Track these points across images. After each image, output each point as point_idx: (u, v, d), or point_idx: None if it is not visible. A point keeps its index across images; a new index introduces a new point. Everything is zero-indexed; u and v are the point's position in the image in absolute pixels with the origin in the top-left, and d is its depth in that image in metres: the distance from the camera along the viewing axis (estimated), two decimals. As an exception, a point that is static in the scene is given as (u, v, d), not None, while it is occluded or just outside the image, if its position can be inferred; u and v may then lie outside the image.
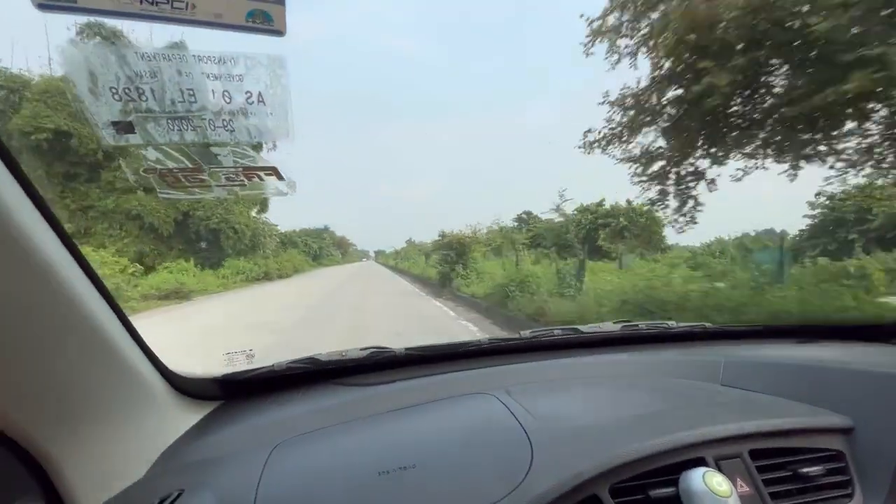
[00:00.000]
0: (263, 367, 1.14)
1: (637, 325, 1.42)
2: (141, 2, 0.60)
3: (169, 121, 0.73)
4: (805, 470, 0.81)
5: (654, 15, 5.00)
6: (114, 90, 0.68)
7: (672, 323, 1.55)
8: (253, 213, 18.70)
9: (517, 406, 0.94)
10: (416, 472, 0.76)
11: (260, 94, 0.76)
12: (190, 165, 0.80)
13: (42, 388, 0.67)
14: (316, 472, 0.80)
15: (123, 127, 0.72)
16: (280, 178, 0.88)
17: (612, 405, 0.98)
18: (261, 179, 0.86)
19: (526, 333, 1.34)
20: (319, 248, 41.63)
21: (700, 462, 0.77)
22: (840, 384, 0.94)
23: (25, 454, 0.70)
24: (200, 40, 0.68)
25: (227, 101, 0.75)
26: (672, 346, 1.36)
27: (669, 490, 0.74)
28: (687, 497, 0.72)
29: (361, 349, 1.19)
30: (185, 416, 1.03)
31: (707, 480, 0.72)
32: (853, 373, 0.96)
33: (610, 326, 1.40)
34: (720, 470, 0.76)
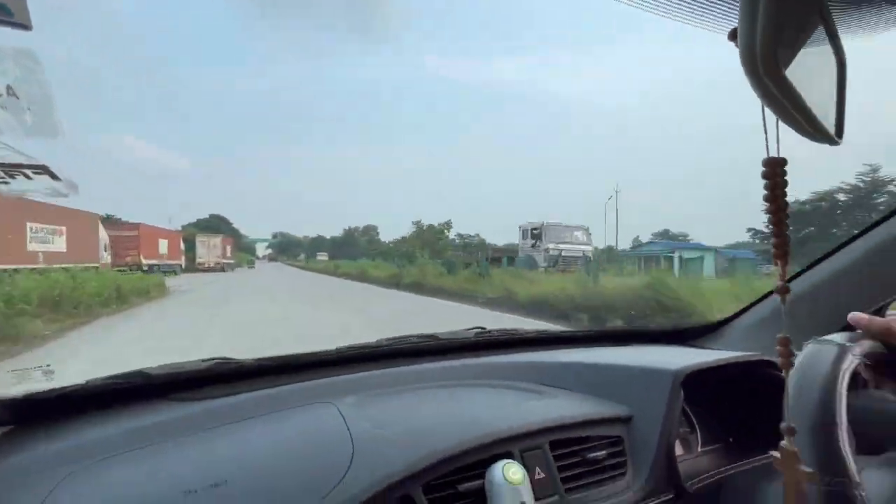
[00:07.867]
0: (71, 386, 1.01)
1: (490, 332, 1.49)
2: None
3: None
4: (592, 455, 0.91)
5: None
6: None
7: (523, 329, 1.66)
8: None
9: (355, 413, 0.93)
10: (225, 488, 0.73)
11: (9, 87, 0.71)
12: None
13: None
14: (112, 500, 0.73)
15: None
16: (54, 177, 0.82)
17: (440, 408, 1.02)
18: (28, 178, 0.80)
19: (384, 341, 1.35)
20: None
21: (508, 455, 0.83)
22: (626, 380, 1.07)
23: None
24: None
25: (-34, 92, 0.69)
26: (515, 350, 1.46)
27: (477, 483, 0.78)
28: (489, 487, 0.77)
29: (203, 360, 1.11)
30: None
31: (505, 471, 0.77)
32: (634, 369, 1.10)
33: (465, 333, 1.45)
34: (524, 461, 0.82)
